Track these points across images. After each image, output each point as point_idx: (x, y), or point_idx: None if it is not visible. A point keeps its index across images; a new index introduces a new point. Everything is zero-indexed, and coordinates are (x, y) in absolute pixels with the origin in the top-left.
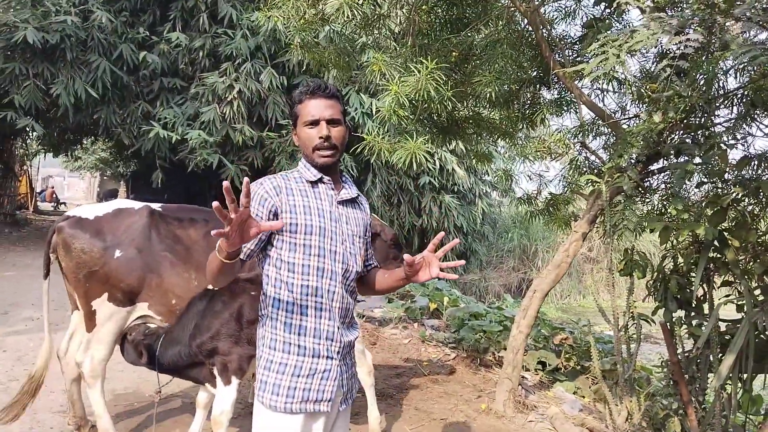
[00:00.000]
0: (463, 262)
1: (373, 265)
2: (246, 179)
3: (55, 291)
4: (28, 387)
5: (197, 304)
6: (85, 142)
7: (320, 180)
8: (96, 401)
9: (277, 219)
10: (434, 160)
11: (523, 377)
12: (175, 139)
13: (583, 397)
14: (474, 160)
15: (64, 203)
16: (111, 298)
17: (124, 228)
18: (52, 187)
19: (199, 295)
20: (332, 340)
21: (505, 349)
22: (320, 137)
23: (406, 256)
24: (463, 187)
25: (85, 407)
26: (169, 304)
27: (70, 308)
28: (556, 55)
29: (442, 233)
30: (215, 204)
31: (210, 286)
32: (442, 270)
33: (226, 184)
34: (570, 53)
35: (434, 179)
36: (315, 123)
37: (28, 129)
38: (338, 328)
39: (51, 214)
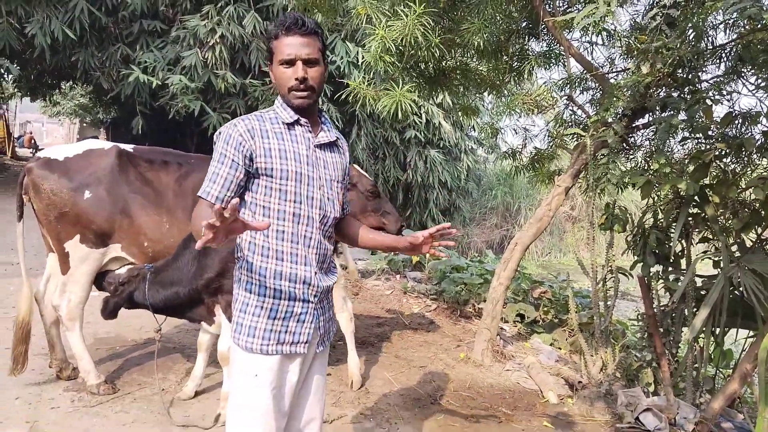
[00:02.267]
0: (453, 243)
1: (347, 210)
2: (235, 200)
3: (35, 236)
4: (18, 335)
5: (191, 246)
6: (63, 86)
7: (297, 122)
8: (75, 343)
9: (252, 163)
10: (420, 114)
11: (501, 328)
12: (156, 84)
13: (560, 348)
14: (460, 114)
15: (43, 149)
16: (83, 239)
17: (93, 168)
18: (31, 133)
19: (191, 236)
20: (309, 284)
21: (485, 301)
22: (296, 78)
23: (422, 233)
24: (448, 142)
25: (65, 350)
26: (141, 245)
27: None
28: (547, 5)
29: (449, 225)
30: (205, 223)
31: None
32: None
33: (217, 207)
34: (561, 3)
35: (420, 133)
36: (291, 62)
37: (2, 70)
38: (315, 273)
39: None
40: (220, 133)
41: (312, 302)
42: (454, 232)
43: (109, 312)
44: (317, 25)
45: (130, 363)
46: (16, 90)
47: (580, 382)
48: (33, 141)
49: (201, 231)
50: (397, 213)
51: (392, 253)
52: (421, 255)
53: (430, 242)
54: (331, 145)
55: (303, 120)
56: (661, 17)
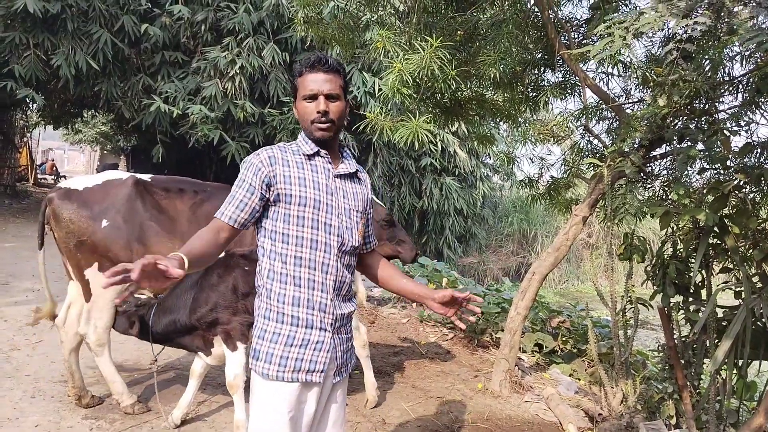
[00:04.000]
0: (473, 318)
1: (372, 244)
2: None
3: (56, 263)
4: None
5: (192, 276)
6: (85, 115)
7: (317, 153)
8: (106, 368)
9: (269, 189)
10: (436, 142)
11: (519, 358)
12: (176, 113)
13: (579, 379)
14: (476, 143)
15: (64, 176)
16: (101, 267)
17: (110, 198)
18: (53, 160)
19: None
20: (325, 312)
21: (503, 330)
22: (318, 112)
23: (437, 301)
24: (464, 169)
25: (83, 378)
26: None
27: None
28: (562, 37)
29: (481, 300)
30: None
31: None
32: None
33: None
34: (576, 35)
35: (436, 161)
36: (313, 97)
37: (28, 100)
38: (332, 300)
39: (51, 187)
40: (244, 161)
41: (328, 331)
42: (479, 302)
43: (135, 331)
44: (339, 64)
45: (149, 391)
46: (40, 119)
47: (600, 414)
48: (55, 168)
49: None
50: (412, 242)
51: None
52: (443, 316)
53: (457, 306)
54: (351, 177)
55: (323, 152)
56: (677, 52)
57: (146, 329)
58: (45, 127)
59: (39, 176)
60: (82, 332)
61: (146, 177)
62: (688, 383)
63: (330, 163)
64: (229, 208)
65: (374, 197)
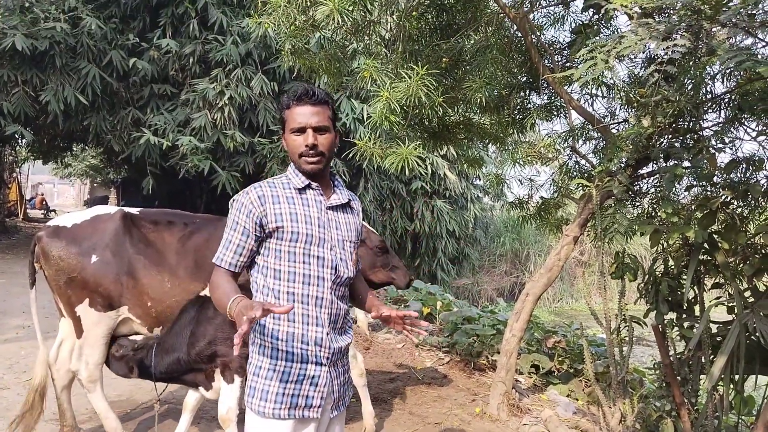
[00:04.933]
0: (427, 324)
1: (359, 268)
2: (289, 305)
3: (47, 298)
4: (31, 398)
5: (189, 311)
6: (74, 149)
7: (308, 186)
8: (98, 404)
9: (263, 229)
10: (426, 165)
11: (516, 380)
12: (166, 145)
13: (577, 399)
14: (465, 165)
15: (54, 210)
16: (92, 303)
17: (99, 233)
18: (42, 194)
19: (191, 301)
20: (321, 346)
21: (499, 352)
22: (306, 145)
23: (373, 314)
24: (455, 191)
25: (75, 416)
26: (144, 306)
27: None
28: (546, 61)
29: (416, 314)
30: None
31: (200, 292)
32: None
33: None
34: (559, 59)
35: (426, 184)
36: (301, 130)
37: (17, 136)
38: (327, 334)
39: (41, 222)
40: (234, 200)
41: (325, 365)
42: (423, 324)
43: (136, 375)
44: (327, 95)
45: (142, 427)
46: (29, 154)
47: None
48: (44, 202)
49: (224, 307)
50: (405, 268)
51: (403, 305)
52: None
53: (401, 325)
54: (343, 207)
55: (314, 184)
56: (659, 74)
57: (147, 370)
58: (34, 162)
59: (29, 210)
60: (74, 369)
61: (135, 210)
62: (686, 400)
63: (322, 194)
64: (227, 254)
65: (367, 224)
